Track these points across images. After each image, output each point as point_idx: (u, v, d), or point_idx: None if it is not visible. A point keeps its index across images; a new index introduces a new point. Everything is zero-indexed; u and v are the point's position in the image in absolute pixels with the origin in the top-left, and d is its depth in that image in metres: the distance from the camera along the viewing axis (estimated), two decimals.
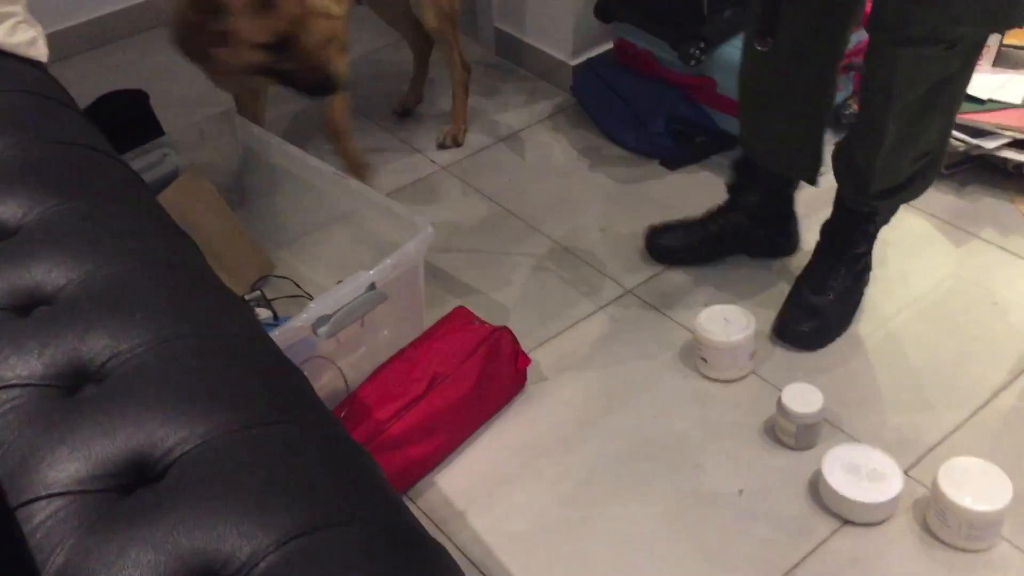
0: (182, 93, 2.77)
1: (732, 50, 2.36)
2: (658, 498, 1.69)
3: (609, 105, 2.54)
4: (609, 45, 2.69)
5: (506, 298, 2.11)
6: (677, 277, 2.12)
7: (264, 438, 0.78)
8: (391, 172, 2.48)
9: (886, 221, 1.95)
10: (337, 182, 1.96)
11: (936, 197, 2.22)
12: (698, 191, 2.35)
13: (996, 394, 1.82)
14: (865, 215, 1.91)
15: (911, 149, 1.77)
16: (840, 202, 1.94)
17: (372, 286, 1.72)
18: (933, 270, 2.08)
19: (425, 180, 2.46)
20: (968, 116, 2.24)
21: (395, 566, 0.73)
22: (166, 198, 1.97)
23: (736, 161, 2.07)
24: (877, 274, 2.09)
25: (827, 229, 1.98)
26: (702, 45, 2.36)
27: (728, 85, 2.38)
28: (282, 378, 0.90)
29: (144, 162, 1.98)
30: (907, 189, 1.86)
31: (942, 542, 1.58)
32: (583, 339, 2.01)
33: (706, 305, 1.95)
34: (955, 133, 2.22)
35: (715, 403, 1.85)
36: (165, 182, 2.00)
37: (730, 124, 2.44)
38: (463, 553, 1.63)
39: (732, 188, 2.10)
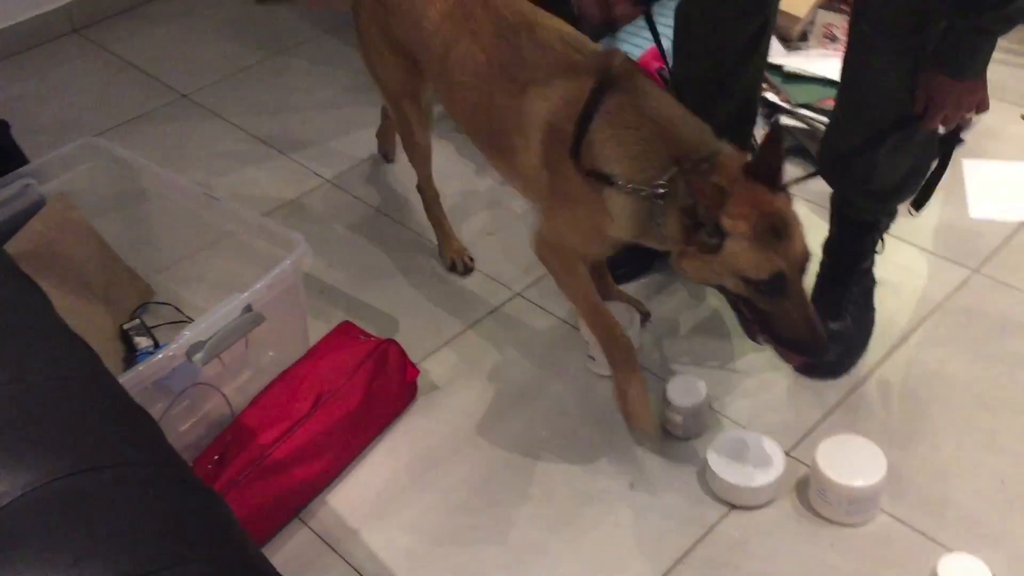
0: (48, 120, 2.70)
1: None
2: (551, 499, 1.70)
3: None
4: None
5: (395, 309, 2.09)
6: None
7: (93, 485, 0.75)
8: (274, 186, 2.44)
9: (887, 228, 1.92)
10: (209, 203, 1.92)
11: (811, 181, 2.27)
12: None
13: (872, 371, 1.88)
14: (869, 225, 1.87)
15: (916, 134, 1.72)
16: (841, 217, 1.89)
17: (248, 308, 1.69)
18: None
19: (311, 193, 2.43)
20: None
21: None
22: (32, 230, 1.91)
23: None
24: None
25: (831, 248, 1.92)
26: None
27: None
28: (119, 420, 0.87)
29: (3, 195, 1.90)
30: (914, 179, 1.81)
31: (824, 519, 1.62)
32: (473, 345, 2.00)
33: None
34: (819, 117, 2.29)
35: (604, 400, 1.86)
36: (30, 213, 1.93)
37: None
38: (359, 572, 1.61)
39: None
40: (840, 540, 1.60)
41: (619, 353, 1.73)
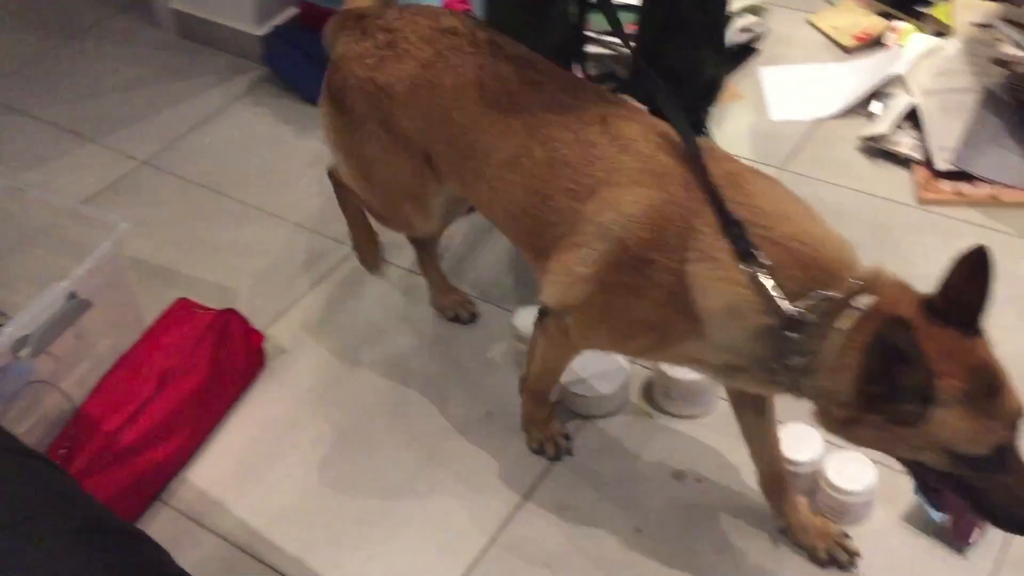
0: None
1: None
2: (413, 438, 1.73)
3: (306, 70, 2.50)
4: (295, 10, 2.64)
5: (234, 282, 2.05)
6: None
7: None
8: (88, 174, 2.34)
9: (706, 120, 2.12)
10: (16, 196, 1.83)
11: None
12: None
13: None
14: (697, 125, 2.04)
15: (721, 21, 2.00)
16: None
17: (72, 295, 1.63)
18: None
19: (127, 177, 2.35)
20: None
21: (86, 556, 0.71)
22: None
23: None
24: None
25: None
26: None
27: None
28: None
29: None
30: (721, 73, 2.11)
31: (672, 415, 1.72)
32: (317, 304, 2.00)
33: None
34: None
35: (454, 338, 1.90)
36: None
37: None
38: (229, 542, 1.60)
39: None
40: (689, 430, 1.70)
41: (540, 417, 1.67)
